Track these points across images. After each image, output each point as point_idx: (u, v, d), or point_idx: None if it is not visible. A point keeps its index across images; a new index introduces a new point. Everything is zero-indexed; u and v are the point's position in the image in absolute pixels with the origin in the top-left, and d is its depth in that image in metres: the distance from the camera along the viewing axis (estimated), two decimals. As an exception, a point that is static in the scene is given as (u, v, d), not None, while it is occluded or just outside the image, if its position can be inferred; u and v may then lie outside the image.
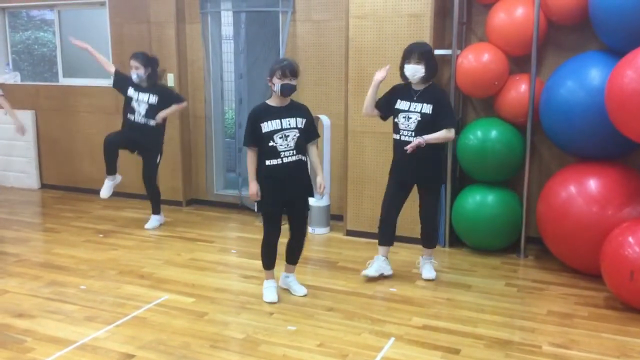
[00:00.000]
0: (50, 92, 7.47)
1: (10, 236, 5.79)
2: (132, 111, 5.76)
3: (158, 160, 5.97)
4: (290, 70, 3.83)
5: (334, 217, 5.90)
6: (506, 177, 5.10)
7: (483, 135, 4.95)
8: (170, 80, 6.57)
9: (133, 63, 5.66)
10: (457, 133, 5.18)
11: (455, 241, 5.31)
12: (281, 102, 3.94)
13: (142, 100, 5.72)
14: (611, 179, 4.40)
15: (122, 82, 5.83)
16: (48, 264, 4.97)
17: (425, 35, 5.01)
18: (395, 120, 4.38)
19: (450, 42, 5.10)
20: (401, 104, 4.34)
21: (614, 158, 4.59)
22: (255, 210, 4.16)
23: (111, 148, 5.84)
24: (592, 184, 4.42)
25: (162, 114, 5.72)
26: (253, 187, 3.94)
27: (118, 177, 6.06)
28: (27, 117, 7.52)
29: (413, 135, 4.27)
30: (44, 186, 7.76)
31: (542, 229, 4.80)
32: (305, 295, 4.20)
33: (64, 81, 7.49)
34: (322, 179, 4.07)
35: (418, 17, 5.05)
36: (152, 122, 5.73)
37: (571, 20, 4.76)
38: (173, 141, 6.71)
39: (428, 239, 4.63)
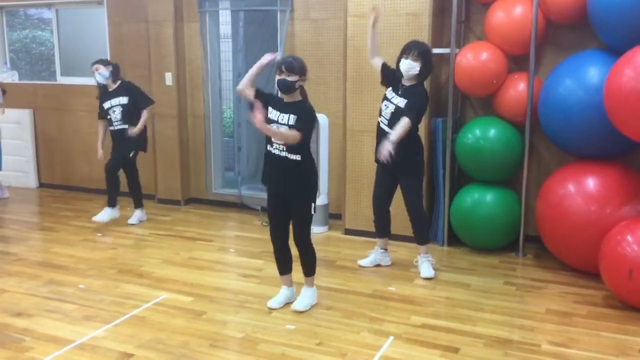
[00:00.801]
0: (48, 91, 7.46)
1: (9, 235, 5.78)
2: (111, 122, 5.89)
3: (131, 155, 5.97)
4: (286, 66, 3.67)
5: (332, 216, 5.90)
6: (505, 176, 5.10)
7: (481, 134, 4.95)
8: (169, 79, 6.57)
9: (93, 68, 5.81)
10: (456, 132, 5.19)
11: (454, 240, 5.31)
12: (286, 98, 3.79)
13: (115, 105, 5.83)
14: (610, 178, 4.40)
15: (100, 97, 5.95)
16: (46, 263, 4.96)
17: (423, 33, 5.01)
18: (381, 105, 4.48)
19: (449, 40, 5.10)
20: (388, 92, 4.44)
21: (613, 157, 4.59)
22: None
23: (113, 173, 5.93)
24: (591, 183, 4.42)
25: (136, 130, 5.79)
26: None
27: (117, 212, 6.06)
28: (25, 116, 7.52)
29: (387, 124, 4.36)
30: (42, 185, 7.75)
31: (540, 227, 4.80)
32: (297, 311, 3.96)
33: (61, 80, 7.48)
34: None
35: (416, 15, 5.05)
36: (127, 126, 5.80)
37: (570, 19, 4.76)
38: (171, 140, 6.71)
39: (415, 235, 4.63)
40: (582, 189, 4.43)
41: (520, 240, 5.05)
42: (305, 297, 4.03)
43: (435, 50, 5.10)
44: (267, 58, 3.87)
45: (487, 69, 4.89)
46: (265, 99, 3.78)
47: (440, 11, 5.24)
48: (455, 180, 5.36)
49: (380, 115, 4.48)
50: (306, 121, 3.74)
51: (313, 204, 3.87)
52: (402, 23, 5.10)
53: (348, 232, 5.63)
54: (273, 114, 3.75)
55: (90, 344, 3.54)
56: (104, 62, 5.87)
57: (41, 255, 5.18)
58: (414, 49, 4.27)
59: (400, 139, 4.15)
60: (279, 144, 3.75)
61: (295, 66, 3.68)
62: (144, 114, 5.87)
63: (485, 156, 4.92)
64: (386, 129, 4.35)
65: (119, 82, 5.89)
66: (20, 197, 7.26)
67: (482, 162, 4.96)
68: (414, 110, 4.27)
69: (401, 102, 4.33)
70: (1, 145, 6.98)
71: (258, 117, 3.48)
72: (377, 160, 4.42)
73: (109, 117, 5.88)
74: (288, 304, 4.04)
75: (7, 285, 4.46)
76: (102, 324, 3.79)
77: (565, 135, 4.62)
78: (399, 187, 4.61)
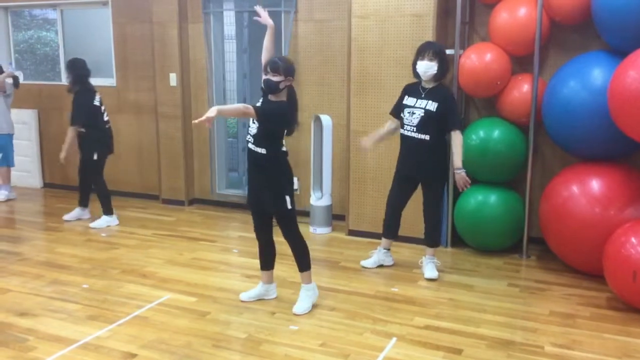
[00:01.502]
0: (53, 91, 7.47)
1: (13, 235, 5.80)
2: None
3: (94, 157, 6.00)
4: (271, 67, 3.69)
5: (336, 217, 5.90)
6: (508, 177, 5.09)
7: (485, 135, 4.95)
8: (173, 79, 6.59)
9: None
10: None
11: (458, 241, 5.31)
12: (272, 97, 3.79)
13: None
14: (614, 180, 4.39)
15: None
16: (50, 262, 4.97)
17: (427, 35, 5.01)
18: (402, 115, 4.47)
19: (453, 41, 5.09)
20: (408, 100, 4.44)
21: (617, 158, 4.58)
22: None
23: (79, 174, 6.25)
24: (595, 185, 4.41)
25: (62, 153, 5.97)
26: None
27: (87, 213, 6.31)
28: (29, 116, 7.55)
29: (415, 130, 4.36)
30: (46, 185, 7.78)
31: (544, 229, 4.79)
32: (298, 314, 3.94)
33: (66, 80, 7.48)
34: None
35: (421, 16, 5.05)
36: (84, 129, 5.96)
37: (574, 20, 4.75)
38: (175, 141, 6.72)
39: (429, 238, 4.66)
40: (586, 190, 4.42)
41: (524, 242, 5.05)
42: (304, 298, 4.02)
43: (440, 52, 5.11)
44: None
45: (491, 70, 4.88)
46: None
47: (444, 12, 5.24)
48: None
49: (402, 126, 4.47)
50: (270, 112, 3.72)
51: (288, 198, 3.85)
52: (406, 24, 5.10)
53: (352, 233, 5.63)
54: None
55: (93, 344, 3.55)
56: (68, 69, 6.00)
57: (45, 255, 5.19)
58: (428, 49, 4.31)
59: (437, 141, 4.37)
60: (249, 136, 3.79)
61: (280, 66, 3.69)
62: (68, 132, 5.95)
63: (489, 157, 4.91)
64: (416, 135, 4.38)
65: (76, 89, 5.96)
66: (24, 196, 7.28)
67: (486, 163, 4.95)
68: (456, 118, 4.37)
69: (431, 105, 4.33)
70: (13, 144, 7.09)
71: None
72: (404, 174, 4.55)
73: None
74: (283, 303, 4.04)
75: (11, 285, 4.48)
76: (106, 324, 3.80)
77: (569, 136, 4.61)
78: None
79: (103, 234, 5.76)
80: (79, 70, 5.91)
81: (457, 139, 4.34)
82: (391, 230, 4.75)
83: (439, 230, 4.76)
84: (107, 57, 7.12)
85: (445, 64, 4.36)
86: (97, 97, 6.00)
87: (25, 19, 8.01)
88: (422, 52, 4.33)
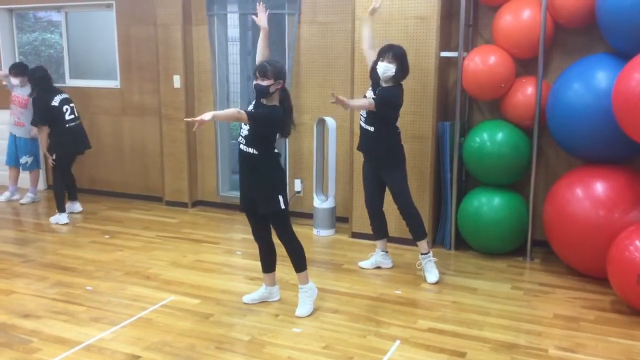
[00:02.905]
0: (58, 93, 7.49)
1: (17, 237, 5.81)
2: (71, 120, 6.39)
3: (53, 157, 6.32)
4: (259, 71, 3.68)
5: (339, 219, 5.89)
6: (512, 180, 5.08)
7: (489, 137, 4.94)
8: (177, 82, 6.60)
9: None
10: (463, 135, 5.19)
11: (461, 244, 5.30)
12: (265, 101, 3.77)
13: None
14: (618, 182, 4.38)
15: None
16: (54, 264, 4.98)
17: (431, 37, 5.01)
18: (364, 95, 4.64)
19: (457, 44, 5.09)
20: (368, 93, 4.60)
21: (621, 161, 4.57)
22: None
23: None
24: (599, 187, 4.40)
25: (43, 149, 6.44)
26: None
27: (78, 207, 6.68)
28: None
29: (364, 121, 4.58)
30: (50, 187, 7.78)
31: (548, 232, 4.78)
32: (301, 317, 3.94)
33: (70, 82, 7.51)
34: None
35: (424, 19, 5.05)
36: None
37: (578, 23, 4.74)
38: (179, 143, 6.73)
39: (412, 231, 4.63)
40: (590, 193, 4.41)
41: (527, 245, 5.04)
42: (304, 300, 4.01)
43: (443, 54, 5.11)
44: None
45: (495, 72, 4.88)
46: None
47: (448, 15, 5.24)
48: (462, 184, 5.35)
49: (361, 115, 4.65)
50: (261, 116, 3.70)
51: (281, 197, 3.83)
52: (410, 26, 5.10)
53: (355, 235, 5.63)
54: None
55: (97, 346, 3.55)
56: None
57: (49, 257, 5.20)
58: (388, 51, 4.41)
59: (354, 107, 4.63)
60: (241, 138, 3.79)
61: (269, 70, 3.67)
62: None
63: (493, 160, 4.91)
64: (364, 125, 4.57)
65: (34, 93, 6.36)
66: (29, 198, 7.28)
67: (490, 165, 4.95)
68: (379, 97, 4.43)
69: (373, 95, 4.50)
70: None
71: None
72: (358, 148, 4.77)
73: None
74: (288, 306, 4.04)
75: (15, 287, 4.49)
76: (109, 326, 3.81)
77: (573, 139, 4.60)
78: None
79: (106, 236, 5.77)
80: (35, 74, 6.32)
81: (363, 100, 4.52)
82: (378, 229, 4.82)
83: (417, 220, 4.60)
84: (111, 59, 7.14)
85: (405, 67, 4.46)
86: (58, 98, 6.24)
87: (30, 21, 8.03)
88: (382, 54, 4.44)
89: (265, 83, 3.67)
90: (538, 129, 4.87)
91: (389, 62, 4.39)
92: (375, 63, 4.48)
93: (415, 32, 5.08)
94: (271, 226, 3.98)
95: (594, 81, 4.41)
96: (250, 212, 3.98)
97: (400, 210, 4.61)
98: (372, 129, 4.52)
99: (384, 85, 4.47)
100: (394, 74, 4.40)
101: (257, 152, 3.76)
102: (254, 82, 3.72)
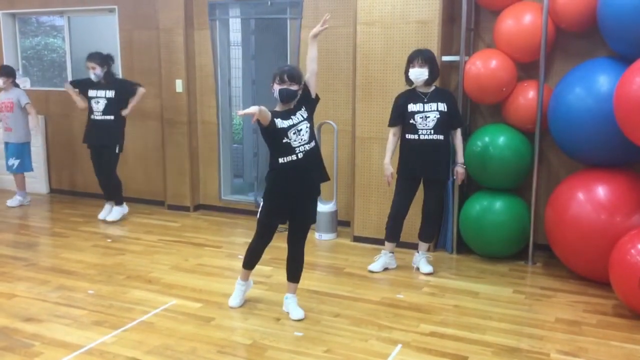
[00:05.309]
0: (60, 97, 7.50)
1: (19, 240, 5.82)
2: (92, 111, 6.24)
3: (117, 152, 6.33)
4: (289, 75, 3.70)
5: (341, 223, 5.90)
6: (514, 184, 5.08)
7: (491, 141, 4.95)
8: (179, 86, 6.61)
9: (89, 64, 6.17)
10: (465, 139, 5.18)
11: (463, 248, 5.30)
12: (282, 108, 3.80)
13: (100, 97, 6.19)
14: (620, 186, 4.38)
15: (82, 86, 6.32)
16: (56, 268, 4.99)
17: (433, 41, 5.02)
18: (411, 121, 4.57)
19: (458, 48, 5.10)
20: (414, 107, 4.58)
21: (623, 165, 4.57)
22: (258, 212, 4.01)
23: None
24: (601, 191, 4.40)
25: (126, 111, 6.30)
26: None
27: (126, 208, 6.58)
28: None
29: (433, 132, 4.53)
30: (52, 191, 7.81)
31: (550, 236, 4.78)
32: (301, 320, 3.92)
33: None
34: None
35: (426, 23, 5.06)
36: (110, 117, 6.22)
37: (579, 27, 4.75)
38: (181, 147, 6.74)
39: (426, 234, 4.86)
40: (592, 197, 4.41)
41: (529, 249, 5.03)
42: (296, 304, 4.05)
43: (445, 58, 5.12)
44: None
45: (497, 76, 4.89)
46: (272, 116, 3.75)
47: (449, 19, 5.25)
48: (464, 188, 5.34)
49: (415, 132, 4.56)
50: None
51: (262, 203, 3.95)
52: (411, 31, 5.11)
53: (357, 239, 5.63)
54: (284, 122, 3.72)
55: (99, 350, 3.55)
56: (100, 61, 6.19)
57: (51, 260, 5.21)
58: (418, 56, 4.50)
59: (445, 141, 4.62)
60: (300, 144, 3.81)
61: (296, 75, 3.74)
62: (133, 100, 6.33)
63: (495, 164, 4.91)
64: (434, 137, 4.55)
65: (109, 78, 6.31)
66: (31, 202, 7.30)
67: (491, 169, 4.95)
68: (460, 117, 4.75)
69: (441, 106, 4.55)
70: (31, 151, 7.18)
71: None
72: (412, 167, 4.64)
73: (91, 105, 6.27)
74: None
75: (17, 290, 4.49)
76: (111, 330, 3.81)
77: (575, 143, 4.60)
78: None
79: (108, 240, 5.77)
80: (102, 55, 6.25)
81: (459, 136, 4.69)
82: (396, 234, 4.85)
83: (438, 227, 4.92)
84: (113, 64, 7.15)
85: (435, 69, 4.55)
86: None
87: (33, 26, 8.06)
88: (412, 60, 4.53)
89: (294, 88, 3.75)
90: (539, 132, 4.87)
91: (420, 67, 4.48)
92: (406, 72, 4.57)
93: (416, 36, 5.09)
94: (302, 234, 4.00)
95: (595, 85, 4.42)
96: (278, 224, 4.01)
97: (435, 214, 4.82)
98: (441, 137, 4.56)
99: (426, 90, 4.56)
100: (427, 77, 4.49)
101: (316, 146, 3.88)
102: (281, 87, 3.71)
